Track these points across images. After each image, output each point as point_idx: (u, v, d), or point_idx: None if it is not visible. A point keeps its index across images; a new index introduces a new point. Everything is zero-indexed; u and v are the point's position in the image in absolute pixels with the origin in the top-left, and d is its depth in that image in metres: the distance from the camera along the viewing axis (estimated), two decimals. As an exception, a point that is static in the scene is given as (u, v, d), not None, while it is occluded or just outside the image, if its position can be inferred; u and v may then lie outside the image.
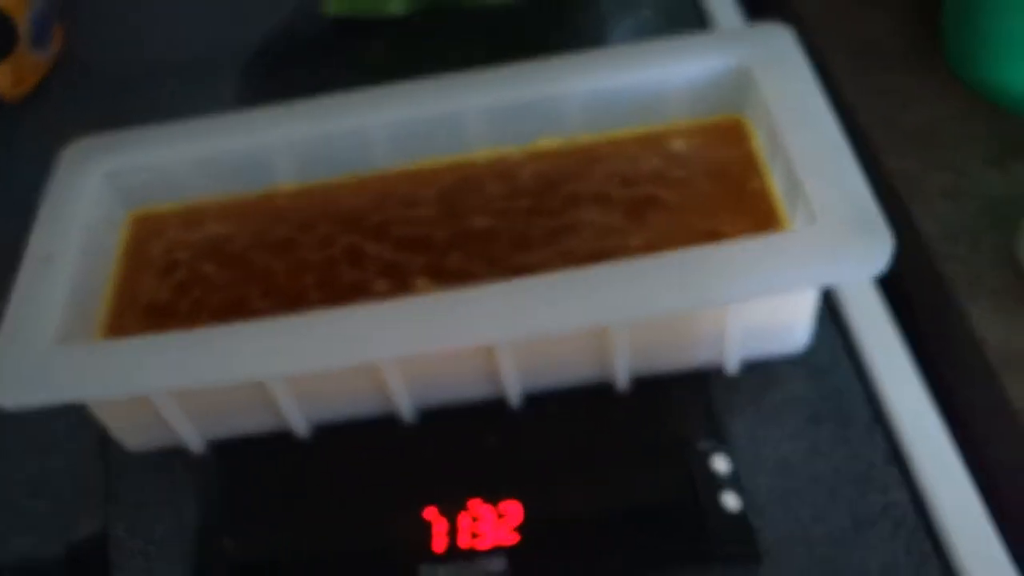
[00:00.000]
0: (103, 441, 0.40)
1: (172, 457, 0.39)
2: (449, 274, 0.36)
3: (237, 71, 0.58)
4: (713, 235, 0.36)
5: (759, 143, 0.38)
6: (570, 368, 0.36)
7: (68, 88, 0.61)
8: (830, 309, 0.40)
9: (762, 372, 0.38)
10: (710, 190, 0.37)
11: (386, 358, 0.33)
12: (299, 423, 0.36)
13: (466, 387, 0.36)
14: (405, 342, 0.32)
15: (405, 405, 0.36)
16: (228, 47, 0.59)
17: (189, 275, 0.38)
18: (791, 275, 0.31)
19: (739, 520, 0.34)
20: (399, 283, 0.36)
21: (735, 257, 0.31)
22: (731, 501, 0.34)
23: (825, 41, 0.49)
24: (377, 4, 0.57)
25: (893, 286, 0.41)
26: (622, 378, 0.36)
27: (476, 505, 0.34)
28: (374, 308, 0.33)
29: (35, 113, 0.59)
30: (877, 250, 0.30)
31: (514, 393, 0.36)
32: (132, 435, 0.37)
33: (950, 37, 0.46)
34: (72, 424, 0.41)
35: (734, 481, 0.35)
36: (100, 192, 0.39)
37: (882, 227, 0.31)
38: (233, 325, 0.33)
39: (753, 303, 0.33)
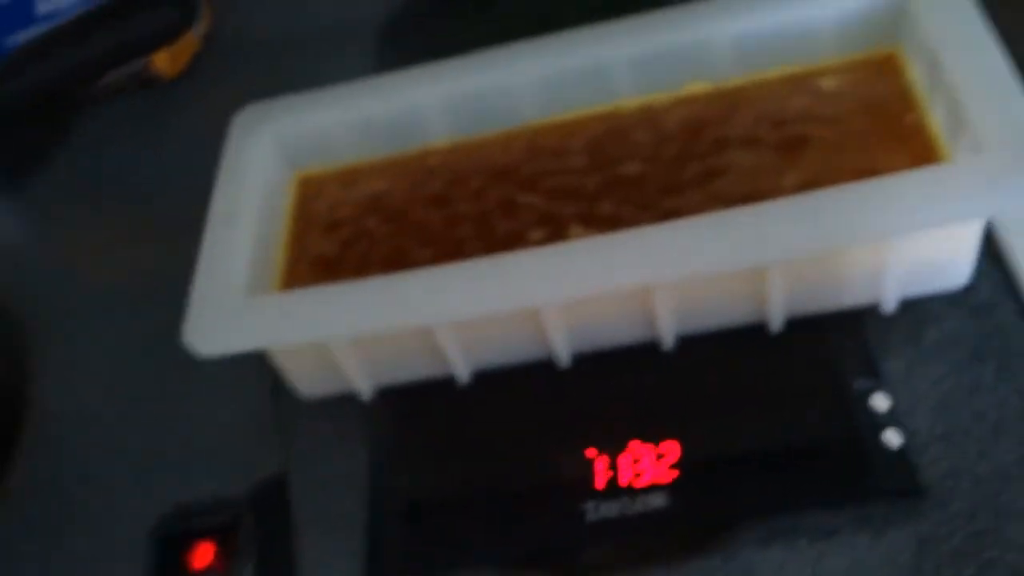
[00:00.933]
0: (276, 389, 0.43)
1: (343, 403, 0.42)
2: (602, 220, 0.37)
3: (377, 35, 0.60)
4: (870, 172, 0.35)
5: (915, 76, 0.37)
6: (724, 309, 0.37)
7: (220, 62, 0.64)
8: (990, 244, 0.39)
9: (920, 310, 0.38)
10: (864, 127, 0.37)
11: (546, 303, 0.34)
12: (461, 369, 0.38)
13: (621, 330, 0.37)
14: (565, 286, 0.33)
15: (562, 349, 0.37)
16: (369, 11, 0.61)
17: (353, 230, 0.41)
18: (956, 207, 0.30)
19: (901, 457, 0.34)
20: (554, 231, 0.37)
21: (896, 191, 0.31)
22: (892, 438, 0.34)
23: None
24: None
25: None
26: (777, 319, 0.36)
27: (636, 445, 0.36)
28: (533, 254, 0.34)
29: (190, 89, 0.63)
30: (1050, 180, 0.30)
31: (669, 335, 0.37)
32: (307, 382, 0.40)
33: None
34: (245, 374, 0.44)
35: (894, 419, 0.35)
36: (270, 155, 0.42)
37: (1055, 156, 0.30)
38: (401, 275, 0.35)
39: (914, 238, 0.33)
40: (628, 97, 0.41)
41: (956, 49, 0.34)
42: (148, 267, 0.51)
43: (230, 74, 0.63)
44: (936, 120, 0.36)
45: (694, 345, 0.38)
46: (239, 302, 0.36)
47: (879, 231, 0.31)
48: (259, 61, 0.63)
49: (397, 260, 0.39)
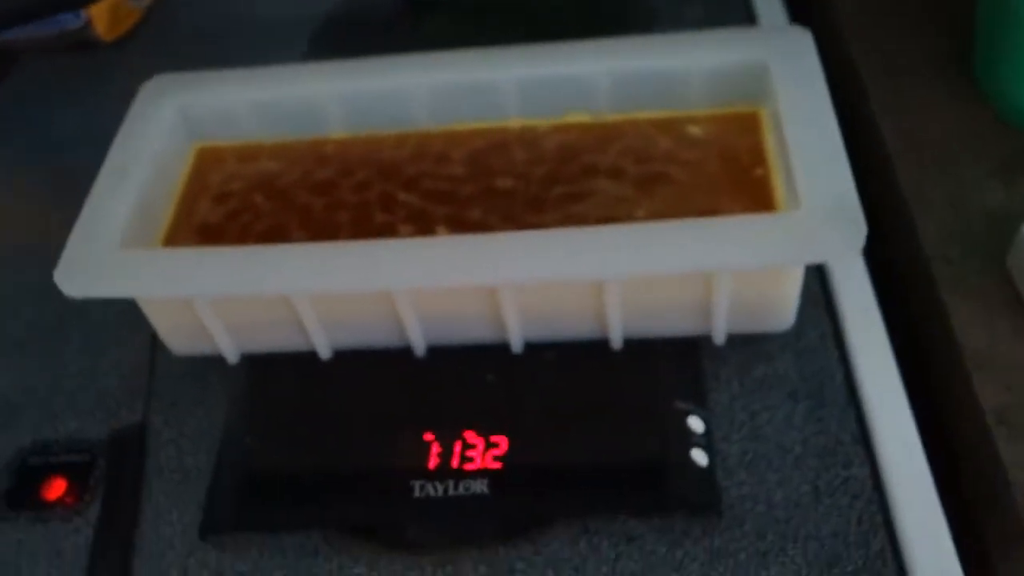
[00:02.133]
0: (154, 346, 0.45)
1: (211, 364, 0.44)
2: (468, 225, 0.40)
3: (311, 31, 0.63)
4: (711, 212, 0.39)
5: (768, 135, 0.41)
6: (568, 321, 0.40)
7: (156, 35, 0.66)
8: (824, 294, 0.43)
9: (750, 346, 0.41)
10: (717, 173, 0.40)
11: (400, 289, 0.37)
12: (322, 345, 0.41)
13: (473, 328, 0.40)
14: (417, 274, 0.36)
15: (417, 339, 0.40)
16: (304, 10, 0.64)
17: (240, 203, 0.43)
18: (769, 251, 0.34)
19: (706, 475, 0.37)
20: (422, 228, 0.40)
21: (721, 230, 0.34)
22: (700, 458, 0.37)
23: (857, 50, 0.52)
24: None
25: (886, 282, 0.44)
26: (616, 335, 0.39)
27: (469, 435, 0.38)
28: (394, 244, 0.37)
29: (124, 55, 0.65)
30: (852, 234, 0.33)
31: (517, 338, 0.40)
32: (177, 340, 0.42)
33: (980, 52, 0.48)
34: (128, 329, 0.46)
35: (706, 441, 0.38)
36: (172, 123, 0.44)
37: (858, 214, 0.34)
38: (271, 247, 0.37)
39: (739, 277, 0.36)
40: (513, 118, 0.44)
41: (799, 114, 0.38)
42: (48, 220, 0.53)
43: (165, 47, 0.65)
44: (779, 177, 0.39)
45: (540, 351, 0.41)
46: (113, 251, 0.38)
47: (697, 263, 0.34)
48: (195, 39, 0.65)
49: (274, 236, 0.41)
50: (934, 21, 0.53)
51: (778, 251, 0.34)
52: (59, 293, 0.37)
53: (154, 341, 0.45)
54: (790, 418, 0.39)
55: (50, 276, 0.37)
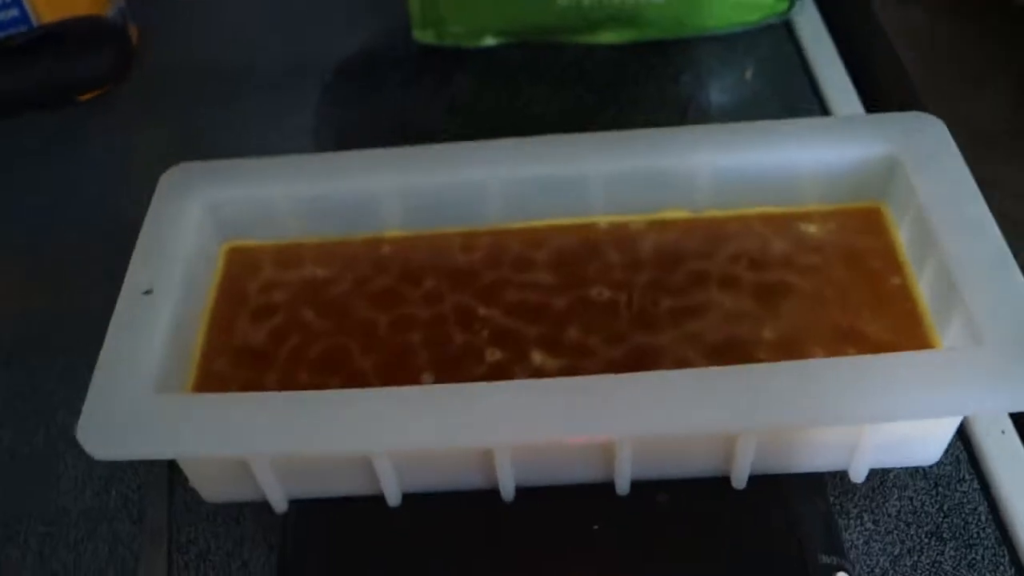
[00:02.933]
0: (170, 485, 0.38)
1: (245, 510, 0.37)
2: (566, 348, 0.34)
3: (318, 84, 0.56)
4: (852, 333, 0.34)
5: (900, 236, 0.36)
6: (686, 459, 0.34)
7: (141, 86, 0.58)
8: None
9: (880, 478, 0.36)
10: (846, 281, 0.35)
11: (497, 445, 0.31)
12: (392, 491, 0.34)
13: (575, 469, 0.34)
14: (523, 429, 0.30)
15: (507, 480, 0.34)
16: (310, 59, 0.58)
17: (286, 320, 0.36)
18: (951, 402, 0.29)
19: (860, 644, 0.32)
20: (514, 354, 0.34)
21: (887, 375, 0.29)
22: (854, 624, 0.32)
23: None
24: (470, 38, 0.56)
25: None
26: (741, 476, 0.34)
27: (578, 600, 0.32)
28: (492, 390, 0.31)
29: (106, 109, 0.57)
30: (1051, 379, 0.28)
31: (625, 479, 0.34)
32: (213, 488, 0.35)
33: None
34: (138, 464, 0.39)
35: (855, 601, 0.33)
36: (200, 222, 0.37)
37: (1056, 353, 0.29)
38: (338, 393, 0.31)
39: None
40: (601, 214, 0.38)
41: (949, 219, 0.33)
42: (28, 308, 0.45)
43: (150, 100, 0.58)
44: (923, 288, 0.34)
45: (652, 490, 0.35)
46: (147, 398, 0.31)
47: (867, 416, 0.29)
48: (183, 90, 0.58)
49: (334, 363, 0.35)
50: (1011, 88, 0.49)
51: (968, 399, 0.29)
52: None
53: (171, 481, 0.38)
54: (938, 564, 0.34)
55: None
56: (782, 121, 0.38)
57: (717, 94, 0.54)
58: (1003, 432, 0.37)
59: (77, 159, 0.53)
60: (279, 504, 0.35)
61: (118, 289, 0.35)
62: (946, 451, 0.36)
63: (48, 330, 0.44)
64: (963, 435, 0.38)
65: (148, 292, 0.34)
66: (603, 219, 0.38)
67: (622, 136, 0.38)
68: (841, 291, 0.35)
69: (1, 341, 0.44)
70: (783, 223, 0.37)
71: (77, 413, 0.31)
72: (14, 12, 0.50)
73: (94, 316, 0.35)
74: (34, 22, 0.51)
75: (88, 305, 0.39)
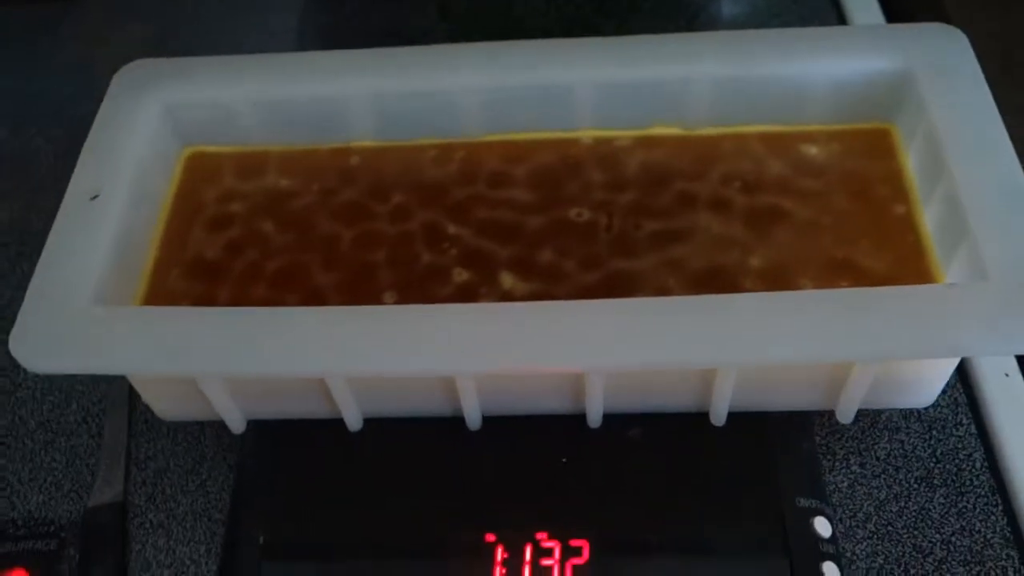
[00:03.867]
0: (130, 402, 0.37)
1: (206, 430, 0.35)
2: (538, 271, 0.32)
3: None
4: (847, 266, 0.31)
5: (909, 161, 0.33)
6: (661, 391, 0.32)
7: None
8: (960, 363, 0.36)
9: (871, 419, 0.34)
10: (846, 209, 0.33)
11: (459, 374, 0.29)
12: (352, 415, 0.33)
13: (543, 398, 0.32)
14: (485, 359, 0.27)
15: (472, 409, 0.32)
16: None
17: (244, 232, 0.34)
18: (952, 340, 0.26)
19: (836, 592, 0.30)
20: (482, 275, 0.32)
21: (882, 308, 0.27)
22: (832, 574, 0.30)
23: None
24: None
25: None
26: (720, 412, 0.32)
27: (541, 537, 0.31)
28: (453, 313, 0.28)
29: (82, 13, 0.54)
30: (1060, 321, 0.26)
31: (597, 412, 0.32)
32: (166, 406, 0.33)
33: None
34: (96, 384, 0.37)
35: (835, 548, 0.31)
36: (155, 125, 0.35)
37: (1068, 294, 0.26)
38: (293, 311, 0.29)
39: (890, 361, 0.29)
40: (585, 128, 0.35)
41: (964, 145, 0.30)
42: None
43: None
44: (929, 219, 0.32)
45: (624, 424, 0.33)
46: (87, 310, 0.29)
47: (856, 353, 0.26)
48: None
49: (292, 279, 0.33)
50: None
51: (968, 339, 0.26)
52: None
53: (132, 397, 0.37)
54: (926, 510, 0.33)
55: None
56: (786, 30, 0.35)
57: (728, 3, 0.50)
58: (1007, 375, 0.35)
59: (47, 55, 0.51)
60: (236, 425, 0.34)
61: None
62: (943, 393, 0.34)
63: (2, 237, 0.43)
64: (963, 377, 0.35)
65: (95, 197, 0.32)
66: (587, 134, 0.35)
67: (612, 42, 0.35)
68: (839, 219, 0.32)
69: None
70: (783, 143, 0.35)
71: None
72: None
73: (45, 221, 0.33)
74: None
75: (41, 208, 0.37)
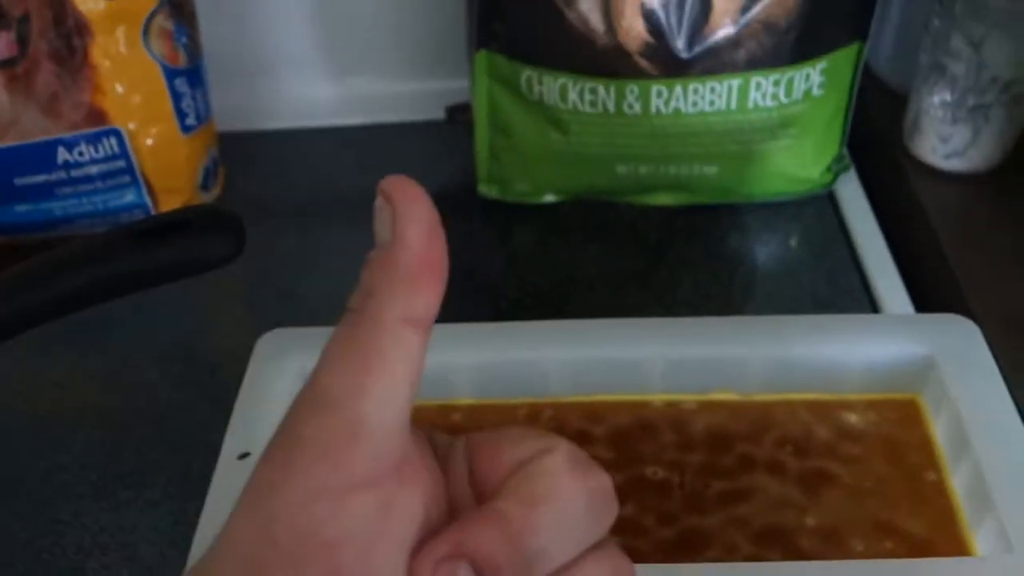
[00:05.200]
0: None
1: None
2: (622, 526, 0.37)
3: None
4: (890, 527, 0.36)
5: (937, 430, 0.39)
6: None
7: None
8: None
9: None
10: (885, 473, 0.38)
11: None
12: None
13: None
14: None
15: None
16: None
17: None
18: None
19: None
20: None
21: (929, 576, 0.32)
22: None
23: (975, 307, 0.50)
24: (532, 195, 0.60)
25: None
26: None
27: None
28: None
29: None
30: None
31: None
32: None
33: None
34: None
35: None
36: (293, 386, 0.41)
37: (1084, 570, 0.31)
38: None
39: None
40: (656, 392, 0.41)
41: (980, 420, 0.36)
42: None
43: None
44: (957, 485, 0.37)
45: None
46: None
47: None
48: (265, 228, 0.62)
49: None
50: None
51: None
52: None
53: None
54: None
55: None
56: (827, 317, 0.41)
57: (764, 258, 0.57)
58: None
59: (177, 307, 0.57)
60: None
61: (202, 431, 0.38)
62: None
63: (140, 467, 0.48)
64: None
65: (244, 456, 0.37)
66: (659, 398, 0.41)
67: (680, 324, 0.41)
68: (880, 483, 0.38)
69: (92, 474, 0.48)
70: (826, 410, 0.40)
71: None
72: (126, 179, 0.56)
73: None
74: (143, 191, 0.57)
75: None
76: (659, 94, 0.52)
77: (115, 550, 0.44)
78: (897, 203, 0.59)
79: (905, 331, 0.40)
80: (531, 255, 0.59)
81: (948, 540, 0.35)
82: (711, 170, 0.56)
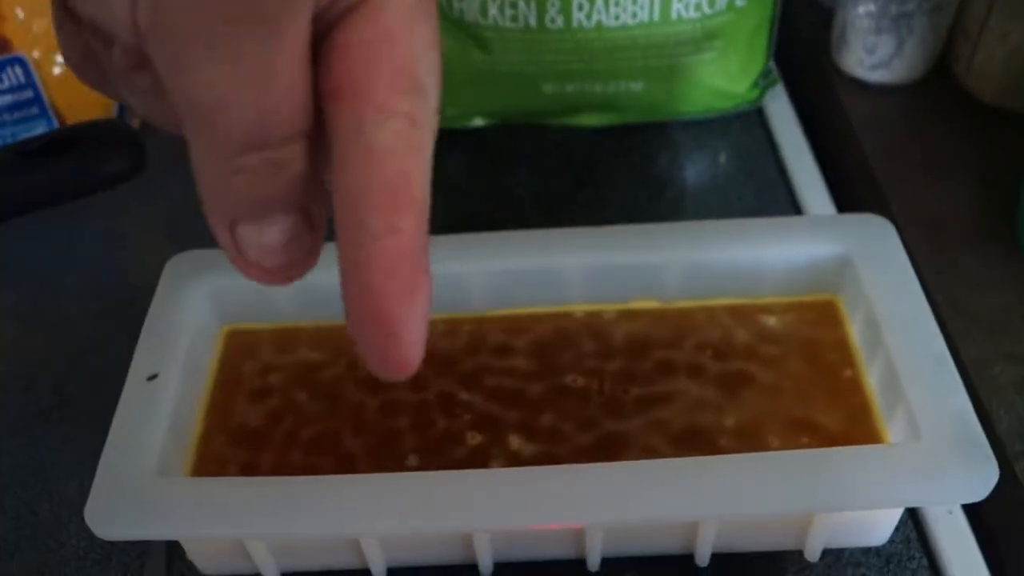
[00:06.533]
0: (170, 552, 0.40)
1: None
2: (542, 433, 0.37)
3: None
4: (807, 423, 0.36)
5: (853, 329, 0.39)
6: (652, 540, 0.36)
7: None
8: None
9: (835, 556, 0.39)
10: (802, 373, 0.38)
11: (476, 530, 0.33)
12: (378, 566, 0.37)
13: (549, 547, 0.36)
14: (502, 517, 0.32)
15: (485, 557, 0.36)
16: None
17: (281, 402, 0.39)
18: (892, 494, 0.31)
19: None
20: (492, 438, 0.37)
21: (837, 467, 0.32)
22: None
23: (898, 214, 0.50)
24: (459, 120, 0.59)
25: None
26: (703, 555, 0.36)
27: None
28: (472, 479, 0.33)
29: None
30: (982, 476, 0.31)
31: (594, 556, 0.36)
32: (209, 562, 0.37)
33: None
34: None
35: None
36: (201, 307, 0.39)
37: (987, 452, 0.32)
38: (328, 479, 0.33)
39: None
40: (577, 303, 0.41)
41: (895, 319, 0.36)
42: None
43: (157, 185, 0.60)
44: (872, 380, 0.37)
45: (620, 567, 0.37)
46: (149, 481, 0.33)
47: (817, 506, 0.31)
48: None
49: (326, 445, 0.37)
50: (973, 182, 0.52)
51: (905, 493, 0.31)
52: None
53: (169, 553, 0.40)
54: (886, 634, 0.37)
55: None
56: (744, 220, 0.41)
57: (692, 176, 0.57)
58: (950, 512, 0.40)
59: (92, 240, 0.56)
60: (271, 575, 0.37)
61: (119, 362, 0.37)
62: (898, 530, 0.39)
63: (57, 401, 0.47)
64: (914, 514, 0.40)
65: (152, 377, 0.36)
66: (579, 308, 0.41)
67: (599, 233, 0.41)
68: (798, 382, 0.38)
69: (9, 411, 0.46)
70: (746, 314, 0.40)
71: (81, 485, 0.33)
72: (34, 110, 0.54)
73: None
74: (54, 123, 0.55)
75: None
76: (580, 7, 0.51)
77: (35, 485, 0.43)
78: (825, 116, 0.58)
79: (822, 231, 0.40)
80: (460, 180, 0.58)
81: (862, 433, 0.36)
82: (637, 86, 0.55)
